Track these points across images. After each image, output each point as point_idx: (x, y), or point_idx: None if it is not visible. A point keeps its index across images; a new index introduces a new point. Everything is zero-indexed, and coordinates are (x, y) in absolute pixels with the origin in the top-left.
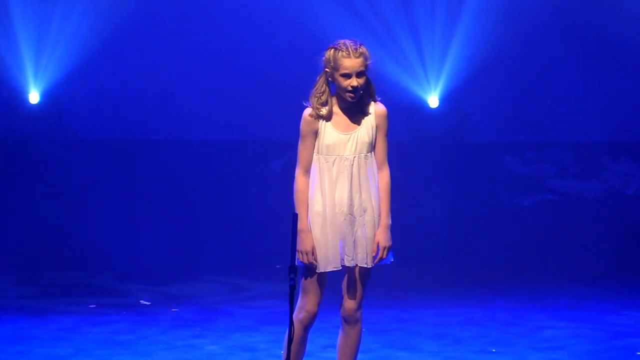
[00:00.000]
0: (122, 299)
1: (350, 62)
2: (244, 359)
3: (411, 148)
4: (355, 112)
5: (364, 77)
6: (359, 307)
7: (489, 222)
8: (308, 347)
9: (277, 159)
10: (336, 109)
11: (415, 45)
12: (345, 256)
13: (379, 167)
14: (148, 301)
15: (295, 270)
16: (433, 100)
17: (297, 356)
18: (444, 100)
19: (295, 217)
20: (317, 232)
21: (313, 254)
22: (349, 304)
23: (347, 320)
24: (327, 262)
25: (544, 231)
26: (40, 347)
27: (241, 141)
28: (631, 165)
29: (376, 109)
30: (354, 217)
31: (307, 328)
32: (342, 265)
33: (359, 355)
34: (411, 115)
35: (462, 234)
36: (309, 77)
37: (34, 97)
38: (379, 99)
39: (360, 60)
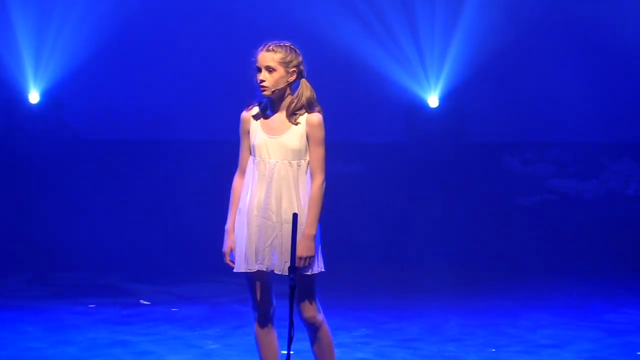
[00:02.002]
0: (123, 298)
1: (260, 56)
2: (244, 358)
3: (411, 148)
4: (286, 117)
5: (277, 74)
6: (316, 312)
7: (489, 222)
8: (308, 345)
9: None
10: (268, 112)
11: (415, 45)
12: (259, 260)
13: (312, 176)
14: (150, 301)
15: (295, 270)
16: (433, 100)
17: (266, 352)
18: (443, 100)
19: (295, 216)
20: (237, 230)
21: (232, 256)
22: (305, 312)
23: (312, 328)
24: (240, 262)
25: (544, 231)
26: (41, 347)
27: None
28: (631, 165)
29: (308, 117)
30: (271, 222)
31: (265, 325)
32: (257, 269)
33: (358, 354)
34: (411, 115)
35: (462, 233)
36: (309, 78)
37: (34, 97)
38: (317, 109)
39: (269, 55)
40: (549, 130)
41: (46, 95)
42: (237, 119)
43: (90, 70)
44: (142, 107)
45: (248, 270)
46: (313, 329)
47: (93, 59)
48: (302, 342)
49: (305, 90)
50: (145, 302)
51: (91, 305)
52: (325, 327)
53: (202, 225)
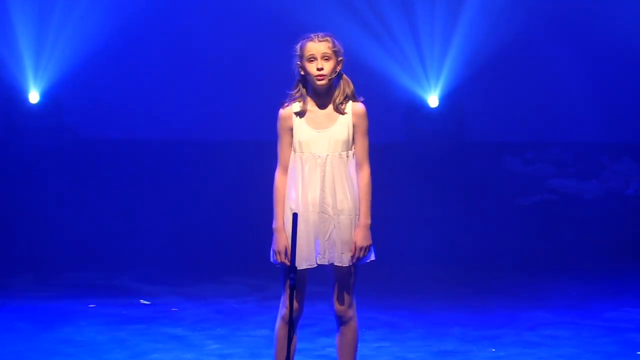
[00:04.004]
0: (123, 298)
1: (313, 45)
2: (244, 358)
3: (411, 148)
4: (331, 110)
5: (332, 62)
6: (349, 306)
7: (488, 222)
8: (308, 346)
9: None
10: (311, 107)
11: (415, 45)
12: (319, 255)
13: (359, 167)
14: (150, 301)
15: (295, 270)
16: (433, 100)
17: (283, 352)
18: (443, 99)
19: (295, 216)
20: (290, 229)
21: (286, 253)
22: (338, 304)
23: (340, 320)
24: (301, 260)
25: (544, 231)
26: (40, 346)
27: (252, 141)
28: (631, 165)
29: (353, 107)
30: (328, 216)
31: (289, 324)
32: (317, 264)
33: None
34: (411, 115)
35: (461, 233)
36: None
37: (33, 96)
38: (361, 99)
39: (324, 44)
40: (549, 130)
41: (46, 95)
42: (239, 119)
43: (90, 70)
44: (143, 107)
45: (310, 266)
46: (341, 322)
47: (93, 59)
48: (302, 342)
49: (349, 82)
50: (145, 302)
51: (91, 305)
52: (354, 324)
53: (203, 225)
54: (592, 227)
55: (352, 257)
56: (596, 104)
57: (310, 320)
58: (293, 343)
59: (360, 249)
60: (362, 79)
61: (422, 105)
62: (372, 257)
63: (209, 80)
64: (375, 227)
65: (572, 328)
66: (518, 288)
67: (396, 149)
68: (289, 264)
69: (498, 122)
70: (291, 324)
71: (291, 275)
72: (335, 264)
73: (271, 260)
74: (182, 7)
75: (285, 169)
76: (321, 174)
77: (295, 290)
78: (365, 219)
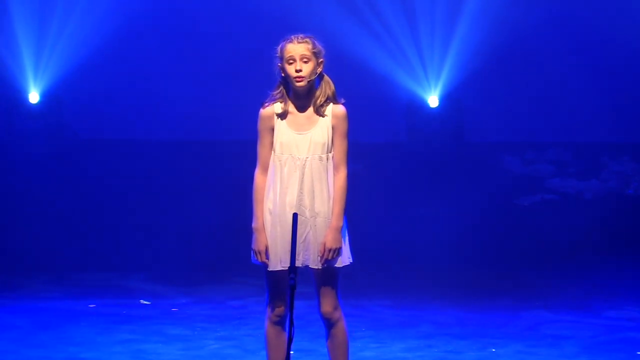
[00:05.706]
0: (123, 298)
1: (292, 47)
2: (244, 358)
3: (411, 148)
4: (312, 112)
5: (311, 64)
6: (335, 308)
7: (488, 222)
8: (308, 344)
9: None
10: (292, 108)
11: (415, 45)
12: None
13: (336, 169)
14: (150, 301)
15: (295, 270)
16: (433, 100)
17: (275, 352)
18: (443, 100)
19: (295, 216)
20: (268, 230)
21: (266, 253)
22: (324, 306)
23: (328, 323)
24: (276, 261)
25: (544, 231)
26: (40, 346)
27: (254, 140)
28: (631, 165)
29: (334, 109)
30: (305, 218)
31: (277, 324)
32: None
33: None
34: (411, 115)
35: (461, 233)
36: None
37: (33, 96)
38: (342, 101)
39: (303, 45)
40: (549, 130)
41: (46, 95)
42: (240, 119)
43: (90, 70)
44: (143, 107)
45: (283, 268)
46: (329, 324)
47: (93, 59)
48: (301, 342)
49: (330, 83)
50: (145, 302)
51: (91, 305)
52: (342, 325)
53: (203, 225)
54: (592, 227)
55: (321, 258)
56: (596, 103)
57: (309, 320)
58: (284, 344)
59: (329, 250)
60: (363, 79)
61: (422, 105)
62: (348, 261)
63: (210, 81)
64: (375, 226)
65: (572, 327)
66: (518, 287)
67: (396, 148)
68: (267, 263)
69: (498, 122)
70: (291, 323)
71: (291, 275)
72: (310, 266)
73: (252, 261)
74: (182, 7)
75: (265, 169)
76: (300, 176)
77: (294, 290)
78: (336, 222)
